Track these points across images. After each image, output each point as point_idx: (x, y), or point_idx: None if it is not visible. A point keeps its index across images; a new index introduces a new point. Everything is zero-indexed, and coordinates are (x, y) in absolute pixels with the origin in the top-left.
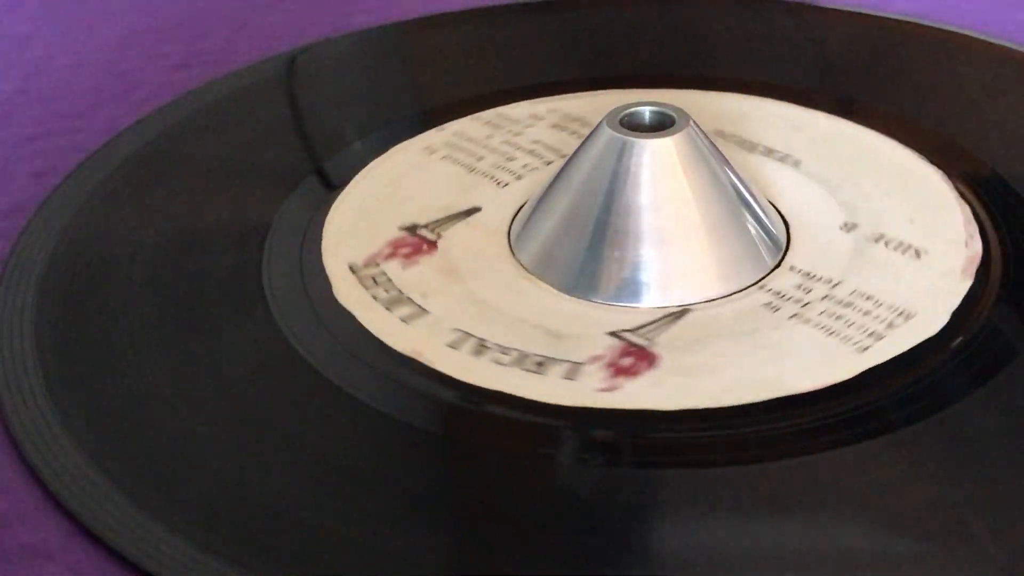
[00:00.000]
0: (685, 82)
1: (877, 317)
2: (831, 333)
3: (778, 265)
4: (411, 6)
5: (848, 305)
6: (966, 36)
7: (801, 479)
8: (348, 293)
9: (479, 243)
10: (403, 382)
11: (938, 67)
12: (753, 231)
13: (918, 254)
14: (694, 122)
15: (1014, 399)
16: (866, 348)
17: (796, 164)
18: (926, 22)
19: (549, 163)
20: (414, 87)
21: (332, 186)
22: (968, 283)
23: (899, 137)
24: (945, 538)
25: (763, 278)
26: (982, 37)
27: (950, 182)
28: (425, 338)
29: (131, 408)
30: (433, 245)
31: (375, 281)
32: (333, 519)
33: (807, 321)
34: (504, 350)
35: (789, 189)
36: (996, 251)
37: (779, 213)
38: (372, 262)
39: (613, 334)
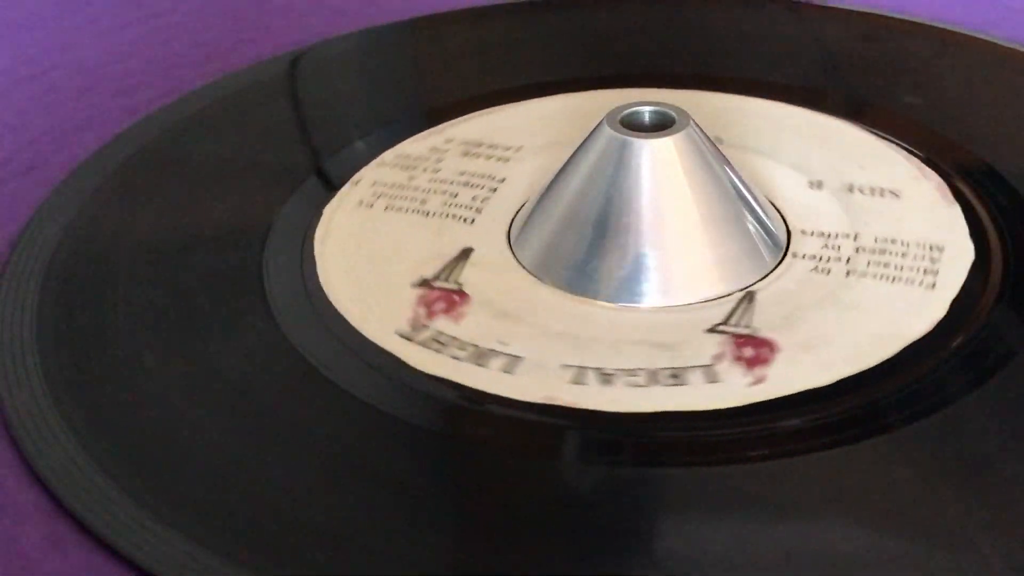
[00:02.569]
0: (685, 82)
1: (917, 256)
2: (893, 280)
3: (783, 257)
4: (411, 6)
5: (883, 252)
6: (966, 35)
7: (801, 479)
8: (425, 361)
9: (503, 280)
10: (401, 382)
11: (939, 67)
12: (753, 231)
13: (896, 195)
14: (694, 122)
15: (1014, 399)
16: (933, 284)
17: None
18: (928, 21)
19: (494, 189)
20: (414, 87)
21: (332, 186)
22: (956, 206)
23: (899, 137)
24: (944, 538)
25: (756, 282)
26: (983, 36)
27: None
28: (545, 382)
29: (131, 407)
30: (463, 294)
31: (441, 343)
32: (333, 518)
33: (863, 275)
34: (631, 372)
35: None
36: (996, 250)
37: (779, 213)
38: (419, 325)
39: (713, 330)
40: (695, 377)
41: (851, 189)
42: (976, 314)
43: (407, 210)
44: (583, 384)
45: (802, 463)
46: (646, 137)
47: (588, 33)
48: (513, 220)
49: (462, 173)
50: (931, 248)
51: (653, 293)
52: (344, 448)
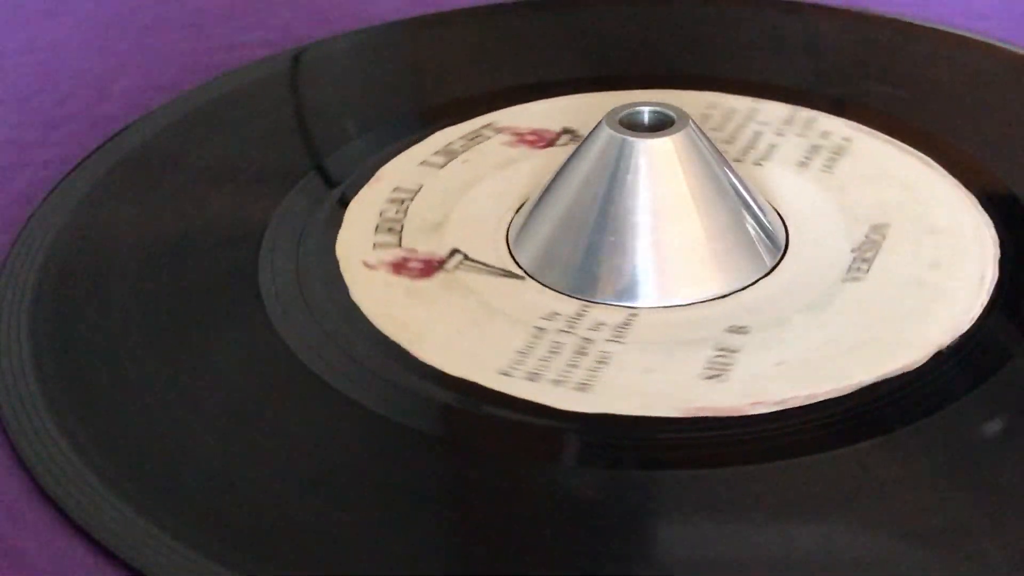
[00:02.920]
0: (685, 82)
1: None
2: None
3: (783, 256)
4: (411, 6)
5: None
6: (966, 36)
7: (801, 479)
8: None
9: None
10: (400, 382)
11: (940, 67)
12: (752, 231)
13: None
14: (694, 122)
15: (1013, 399)
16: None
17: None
18: (929, 23)
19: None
20: (413, 87)
21: (332, 185)
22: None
23: (899, 137)
24: (944, 538)
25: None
26: (983, 38)
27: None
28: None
29: (127, 408)
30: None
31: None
32: (331, 521)
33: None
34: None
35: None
36: (995, 249)
37: (778, 214)
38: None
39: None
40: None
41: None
42: (976, 314)
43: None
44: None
45: (802, 463)
46: (646, 137)
47: (588, 33)
48: (512, 220)
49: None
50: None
51: (651, 293)
52: (342, 450)
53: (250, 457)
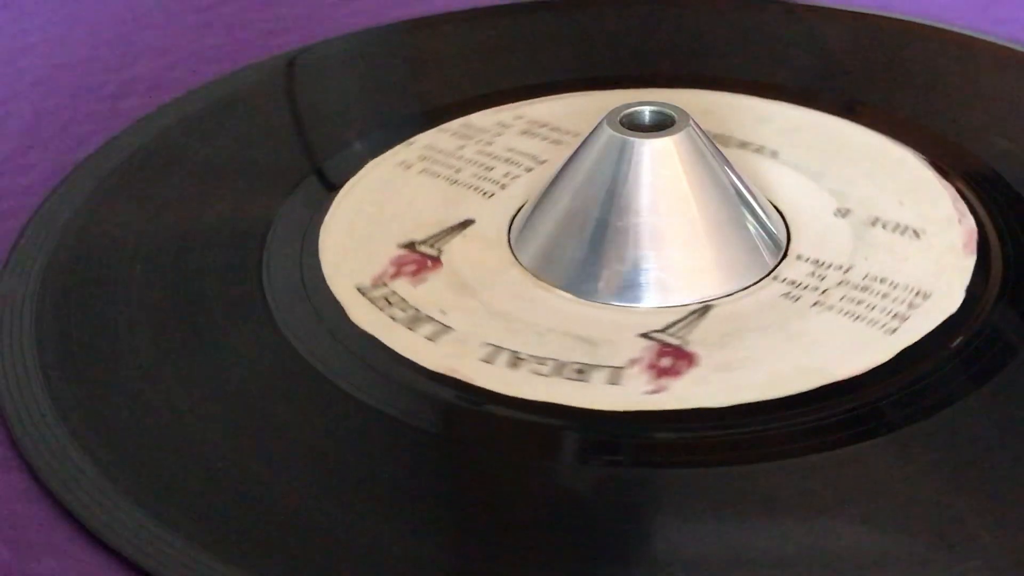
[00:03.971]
0: (685, 82)
1: (896, 299)
2: (856, 318)
3: (784, 256)
4: (411, 6)
5: (865, 289)
6: (967, 36)
7: (801, 479)
8: (363, 316)
9: (482, 254)
10: (402, 382)
11: (940, 67)
12: (753, 231)
13: (916, 235)
14: (694, 122)
15: (1014, 399)
16: (894, 330)
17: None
18: (928, 21)
19: (530, 170)
20: (414, 87)
21: (332, 186)
22: (973, 258)
23: (899, 137)
24: (944, 538)
25: (771, 272)
26: (982, 37)
27: (947, 181)
28: (457, 355)
29: (130, 406)
30: (437, 261)
31: (388, 301)
32: (332, 519)
33: (830, 308)
34: (540, 360)
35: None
36: (996, 249)
37: (779, 213)
38: (379, 282)
39: (645, 335)
40: (599, 376)
41: (875, 223)
42: (976, 314)
43: (439, 176)
44: (490, 363)
45: (802, 463)
46: (646, 137)
47: (588, 33)
48: (513, 220)
49: (511, 150)
50: (917, 293)
51: (652, 293)
52: (344, 448)
53: (253, 454)
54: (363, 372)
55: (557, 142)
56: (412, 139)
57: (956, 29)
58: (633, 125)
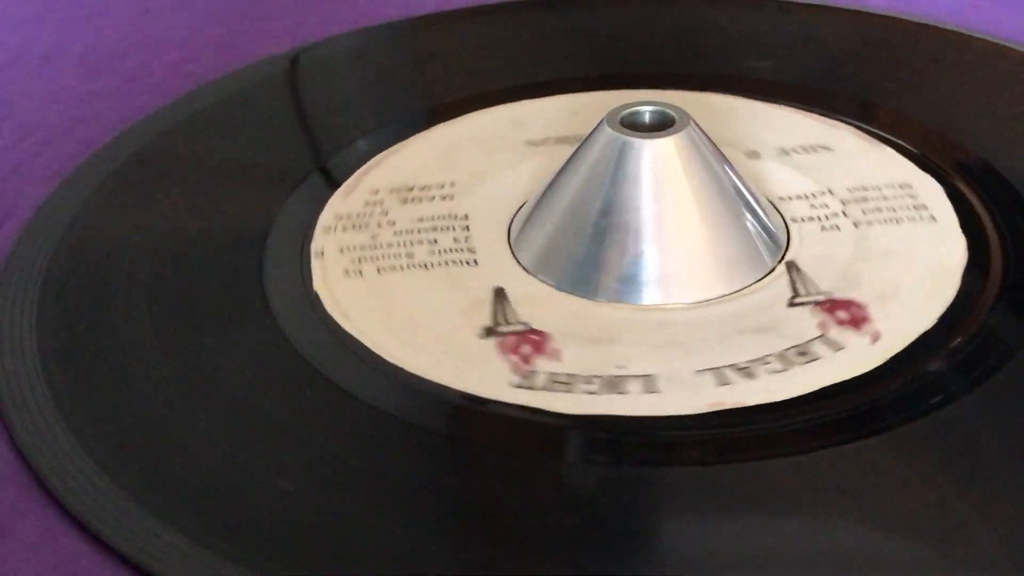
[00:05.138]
0: (685, 82)
1: (896, 196)
2: (899, 221)
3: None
4: (411, 6)
5: (864, 200)
6: (965, 36)
7: (801, 479)
8: (564, 405)
9: (558, 307)
10: (402, 381)
11: (940, 67)
12: (753, 231)
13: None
14: (694, 122)
15: (1013, 399)
16: (933, 217)
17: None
18: (928, 21)
19: (466, 227)
20: (415, 85)
21: (334, 185)
22: (883, 147)
23: (899, 137)
24: (944, 537)
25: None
26: (983, 36)
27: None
28: (696, 392)
29: (131, 407)
30: (537, 331)
31: (563, 382)
32: (332, 519)
33: (869, 223)
34: (763, 360)
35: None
36: (996, 249)
37: (779, 213)
38: (526, 372)
39: (792, 304)
40: (821, 349)
41: (785, 152)
42: (975, 314)
43: (401, 268)
44: (729, 384)
45: (802, 463)
46: (646, 137)
47: (588, 33)
48: (513, 220)
49: (421, 219)
50: (900, 187)
51: (653, 293)
52: (343, 448)
53: (255, 455)
54: (363, 372)
55: (448, 196)
56: (315, 248)
57: (956, 29)
58: (633, 125)
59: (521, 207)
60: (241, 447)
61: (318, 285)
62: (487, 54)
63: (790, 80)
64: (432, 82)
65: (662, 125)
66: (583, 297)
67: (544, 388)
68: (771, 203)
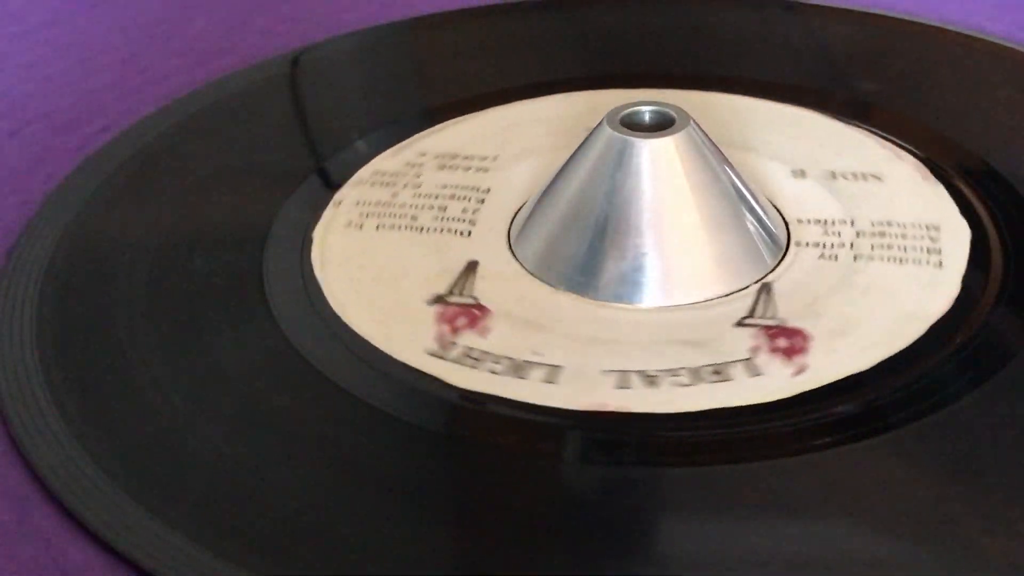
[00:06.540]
0: (685, 82)
1: (917, 236)
2: (902, 262)
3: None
4: (411, 6)
5: (883, 235)
6: (966, 35)
7: (801, 479)
8: (462, 377)
9: (517, 290)
10: (402, 381)
11: (940, 67)
12: (753, 230)
13: (878, 178)
14: (694, 122)
15: (1014, 399)
16: (941, 263)
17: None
18: (929, 21)
19: (482, 200)
20: (414, 87)
21: (333, 186)
22: (939, 185)
23: (899, 136)
24: (944, 538)
25: (767, 275)
26: (982, 36)
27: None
28: (590, 390)
29: (131, 407)
30: (482, 307)
31: (474, 358)
32: (333, 519)
33: (871, 258)
34: (673, 372)
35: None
36: (996, 249)
37: (779, 212)
38: (447, 342)
39: (741, 324)
40: (737, 372)
41: (834, 176)
42: (976, 314)
43: (400, 227)
44: (628, 388)
45: (802, 463)
46: (646, 137)
47: (588, 33)
48: (513, 220)
49: (444, 186)
50: (927, 228)
51: (653, 293)
52: (344, 448)
53: (255, 455)
54: (363, 372)
55: (483, 169)
56: (336, 197)
57: (956, 29)
58: (633, 125)
59: (522, 206)
60: (241, 447)
61: (317, 231)
62: (486, 55)
63: (790, 80)
64: (431, 83)
65: (662, 125)
66: (599, 301)
67: (454, 360)
68: (775, 207)
